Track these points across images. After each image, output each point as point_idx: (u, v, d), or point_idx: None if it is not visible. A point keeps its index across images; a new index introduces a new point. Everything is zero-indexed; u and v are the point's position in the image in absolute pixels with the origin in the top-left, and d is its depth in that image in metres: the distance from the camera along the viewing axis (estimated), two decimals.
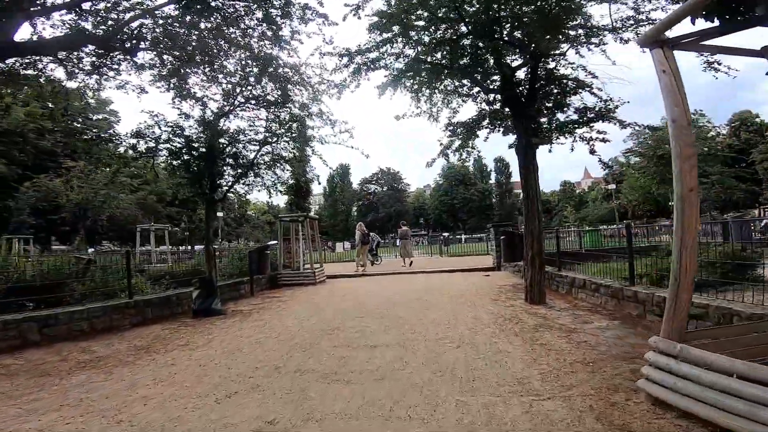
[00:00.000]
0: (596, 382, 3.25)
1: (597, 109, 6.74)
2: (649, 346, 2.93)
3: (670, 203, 43.02)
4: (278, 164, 9.35)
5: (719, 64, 5.71)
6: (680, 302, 2.73)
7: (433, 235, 42.31)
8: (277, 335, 5.61)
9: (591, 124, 6.84)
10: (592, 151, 7.33)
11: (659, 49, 2.87)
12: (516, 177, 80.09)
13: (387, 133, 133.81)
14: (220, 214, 26.55)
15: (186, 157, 7.91)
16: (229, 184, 8.46)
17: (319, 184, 14.49)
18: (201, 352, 4.88)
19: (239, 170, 8.38)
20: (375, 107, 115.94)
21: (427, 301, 7.63)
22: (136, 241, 19.48)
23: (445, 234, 22.30)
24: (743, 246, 5.46)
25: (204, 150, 7.95)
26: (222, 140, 8.32)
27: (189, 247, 31.70)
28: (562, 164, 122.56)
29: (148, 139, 7.78)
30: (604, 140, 7.01)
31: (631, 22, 6.11)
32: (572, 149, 7.36)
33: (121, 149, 8.92)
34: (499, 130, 7.83)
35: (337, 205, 76.92)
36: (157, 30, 6.96)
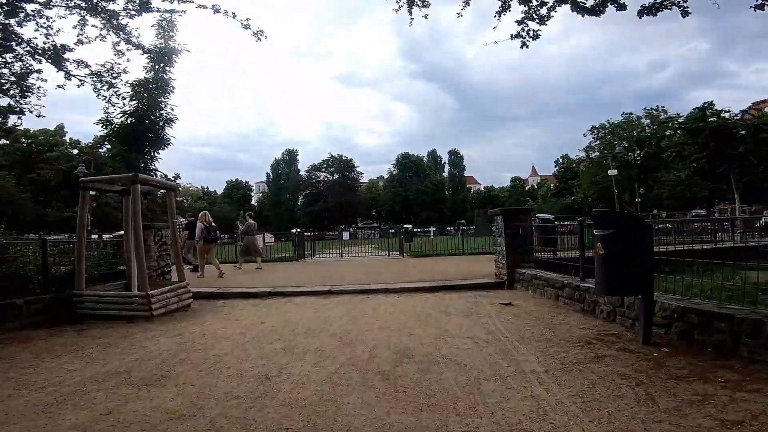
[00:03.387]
0: None
1: None
2: None
3: (637, 199, 41.16)
4: None
5: None
6: None
7: (385, 227, 36.80)
8: None
9: None
10: None
11: None
12: (469, 171, 78.23)
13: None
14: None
15: None
16: None
17: (174, 123, 8.61)
18: None
19: None
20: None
21: None
22: None
23: (408, 226, 16.91)
24: None
25: None
26: None
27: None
28: (509, 163, 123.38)
29: None
30: None
31: None
32: None
33: None
34: None
35: (281, 193, 69.13)
36: None
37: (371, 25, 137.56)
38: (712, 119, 29.19)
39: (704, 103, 30.59)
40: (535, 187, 79.28)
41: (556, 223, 10.35)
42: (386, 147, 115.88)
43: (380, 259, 14.00)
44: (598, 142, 48.28)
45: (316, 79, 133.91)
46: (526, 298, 6.06)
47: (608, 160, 45.27)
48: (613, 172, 31.46)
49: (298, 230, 15.40)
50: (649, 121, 43.94)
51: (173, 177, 59.11)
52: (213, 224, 9.96)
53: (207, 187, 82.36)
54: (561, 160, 71.65)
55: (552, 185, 72.05)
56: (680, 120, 32.92)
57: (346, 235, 19.69)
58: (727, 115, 29.30)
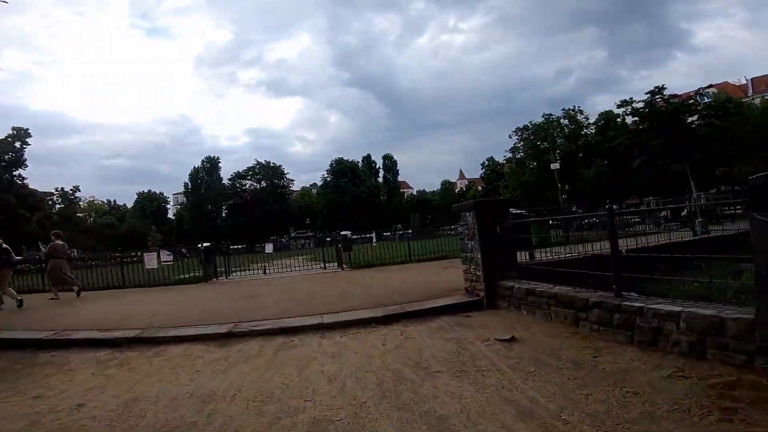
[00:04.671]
0: None
1: None
2: None
3: (564, 196, 43.08)
4: None
5: None
6: None
7: (321, 236, 33.91)
8: None
9: None
10: None
11: None
12: (402, 176, 78.04)
13: None
14: None
15: None
16: None
17: None
18: None
19: None
20: None
21: None
22: None
23: (346, 233, 14.71)
24: None
25: None
26: None
27: None
28: (438, 168, 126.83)
29: None
30: None
31: None
32: None
33: None
34: None
35: (202, 204, 62.35)
36: None
37: (302, 32, 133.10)
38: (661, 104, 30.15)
39: (655, 87, 31.78)
40: (464, 189, 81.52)
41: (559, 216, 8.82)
42: (319, 155, 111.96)
43: (315, 273, 11.53)
44: (522, 143, 50.35)
45: (243, 86, 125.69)
46: (525, 325, 4.17)
47: (530, 160, 47.56)
48: (555, 165, 32.49)
49: (205, 244, 12.22)
50: (567, 121, 46.60)
51: (71, 190, 49.73)
52: (4, 246, 8.46)
53: (114, 201, 72.42)
54: (487, 162, 74.57)
55: (480, 187, 74.59)
56: (634, 105, 34.01)
57: (269, 248, 16.48)
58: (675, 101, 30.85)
